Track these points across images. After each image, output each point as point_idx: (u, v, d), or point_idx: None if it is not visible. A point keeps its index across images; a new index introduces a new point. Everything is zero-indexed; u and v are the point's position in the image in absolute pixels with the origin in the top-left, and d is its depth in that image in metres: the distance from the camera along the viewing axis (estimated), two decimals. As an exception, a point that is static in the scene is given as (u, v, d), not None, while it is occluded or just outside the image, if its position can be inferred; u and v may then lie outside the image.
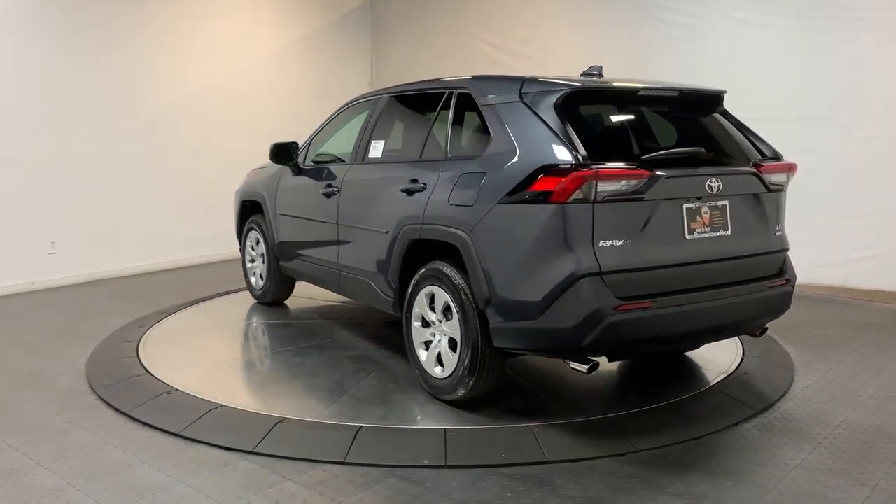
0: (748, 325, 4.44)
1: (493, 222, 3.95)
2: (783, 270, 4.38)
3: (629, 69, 8.61)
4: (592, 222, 3.66)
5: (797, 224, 7.52)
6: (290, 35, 10.29)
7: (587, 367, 3.85)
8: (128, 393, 4.58)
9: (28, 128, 7.54)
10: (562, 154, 3.73)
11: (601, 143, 4.08)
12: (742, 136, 4.49)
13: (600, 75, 4.59)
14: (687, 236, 3.91)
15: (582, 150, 3.71)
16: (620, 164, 3.75)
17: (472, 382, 4.18)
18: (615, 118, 4.56)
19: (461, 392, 4.25)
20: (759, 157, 4.36)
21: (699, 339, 4.65)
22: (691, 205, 3.92)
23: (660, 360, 5.26)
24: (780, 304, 4.40)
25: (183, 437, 3.95)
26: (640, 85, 4.32)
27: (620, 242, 3.71)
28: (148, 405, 4.36)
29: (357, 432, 3.93)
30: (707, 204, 3.97)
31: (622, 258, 3.72)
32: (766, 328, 4.59)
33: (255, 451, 3.77)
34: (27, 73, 7.51)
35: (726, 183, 4.03)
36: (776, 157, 4.42)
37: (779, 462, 3.67)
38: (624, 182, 3.71)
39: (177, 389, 4.58)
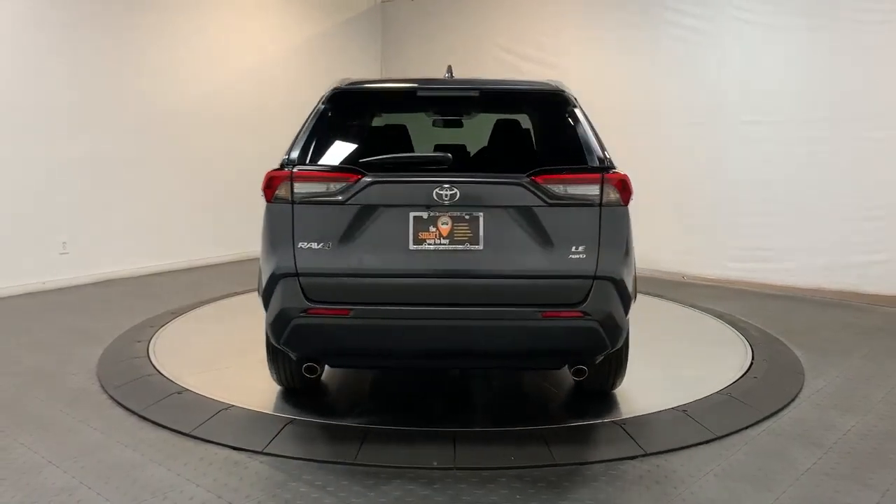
0: (521, 358, 4.01)
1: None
2: (582, 301, 3.66)
3: (639, 71, 8.64)
4: (292, 223, 3.68)
5: (805, 227, 7.57)
6: (299, 36, 10.31)
7: (304, 367, 3.90)
8: (138, 393, 4.60)
9: (39, 129, 7.57)
10: (286, 155, 3.84)
11: (348, 145, 4.09)
12: (573, 141, 3.91)
13: (450, 75, 4.55)
14: (411, 247, 3.65)
15: (294, 152, 3.81)
16: (322, 166, 3.77)
17: (274, 371, 4.41)
18: (382, 120, 4.54)
19: (273, 378, 4.50)
20: (582, 165, 3.79)
21: (428, 360, 4.14)
22: (421, 214, 3.65)
23: (666, 363, 5.26)
24: (569, 340, 3.73)
25: (193, 437, 3.96)
26: (419, 85, 4.22)
27: (319, 245, 3.66)
28: (158, 405, 4.38)
29: (366, 433, 3.94)
30: (448, 214, 3.64)
31: (320, 261, 3.66)
32: (582, 369, 3.96)
33: (265, 451, 3.78)
34: (39, 74, 7.55)
35: (470, 192, 3.64)
36: (602, 167, 3.76)
37: (788, 466, 3.66)
38: (326, 185, 3.68)
39: (187, 389, 4.60)
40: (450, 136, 5.07)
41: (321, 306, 3.66)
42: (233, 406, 4.32)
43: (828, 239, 7.49)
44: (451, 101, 4.44)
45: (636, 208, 9.04)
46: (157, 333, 5.88)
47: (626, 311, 3.82)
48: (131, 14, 8.29)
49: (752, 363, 5.18)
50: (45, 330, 6.15)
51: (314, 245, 3.66)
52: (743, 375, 4.93)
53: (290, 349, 3.90)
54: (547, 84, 4.24)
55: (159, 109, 8.65)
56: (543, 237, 3.66)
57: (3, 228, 7.35)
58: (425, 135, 4.97)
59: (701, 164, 8.30)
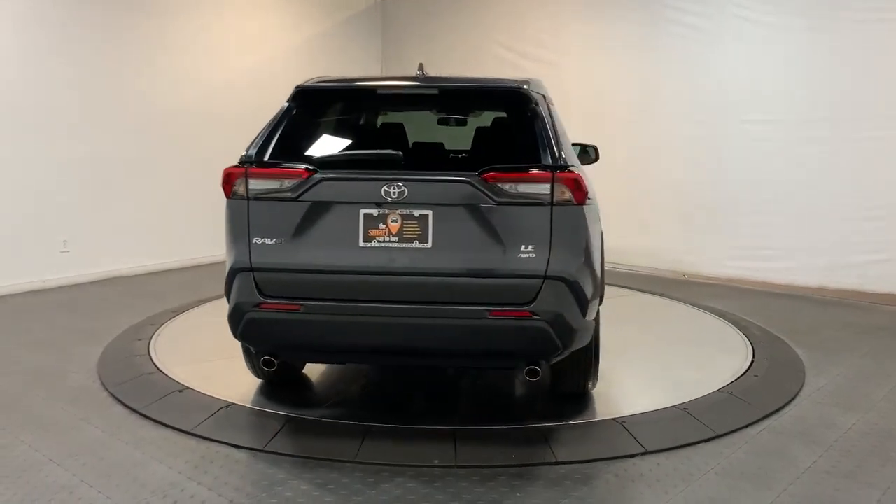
0: (470, 357, 3.98)
1: None
2: (531, 301, 3.59)
3: (640, 69, 8.64)
4: (248, 219, 3.74)
5: (806, 226, 7.57)
6: (299, 35, 10.30)
7: (261, 360, 3.95)
8: (139, 391, 4.60)
9: (39, 128, 7.57)
10: (245, 151, 3.88)
11: (310, 142, 4.14)
12: (529, 139, 3.83)
13: (421, 73, 4.56)
14: (362, 243, 3.66)
15: (253, 148, 3.85)
16: (276, 163, 3.80)
17: (249, 364, 4.48)
18: (345, 117, 4.57)
19: (250, 370, 4.55)
20: (534, 163, 3.68)
21: (377, 356, 4.24)
22: (371, 211, 3.65)
23: (667, 361, 5.26)
24: (517, 340, 3.67)
25: (194, 435, 3.96)
26: (379, 83, 4.25)
27: (273, 241, 3.71)
28: (159, 403, 4.38)
29: (367, 431, 3.94)
30: (398, 212, 3.64)
31: (273, 257, 3.71)
32: (535, 370, 3.74)
33: (266, 449, 3.79)
34: (38, 73, 7.55)
35: (418, 190, 3.62)
36: (554, 166, 3.64)
37: (789, 464, 3.66)
38: (279, 181, 3.73)
39: (188, 387, 4.60)
40: (447, 134, 5.06)
41: (273, 301, 3.71)
42: (233, 404, 4.33)
43: (829, 238, 7.49)
44: (412, 100, 4.48)
45: (637, 207, 9.06)
46: (157, 331, 5.88)
47: (584, 313, 3.75)
48: (132, 14, 8.29)
49: (752, 361, 5.18)
50: (46, 328, 6.15)
51: (268, 241, 3.72)
52: (744, 374, 4.93)
53: (246, 342, 3.98)
54: (508, 82, 4.20)
55: (159, 109, 8.64)
56: (493, 236, 3.62)
57: (4, 227, 7.35)
58: (425, 133, 4.97)
59: (702, 162, 8.30)
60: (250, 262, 3.73)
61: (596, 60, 9.03)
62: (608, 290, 7.53)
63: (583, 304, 3.73)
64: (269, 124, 4.00)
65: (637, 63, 8.67)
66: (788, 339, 5.82)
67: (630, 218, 8.71)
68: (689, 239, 8.45)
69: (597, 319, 4.12)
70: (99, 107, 8.05)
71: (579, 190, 3.65)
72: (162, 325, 6.10)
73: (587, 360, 4.25)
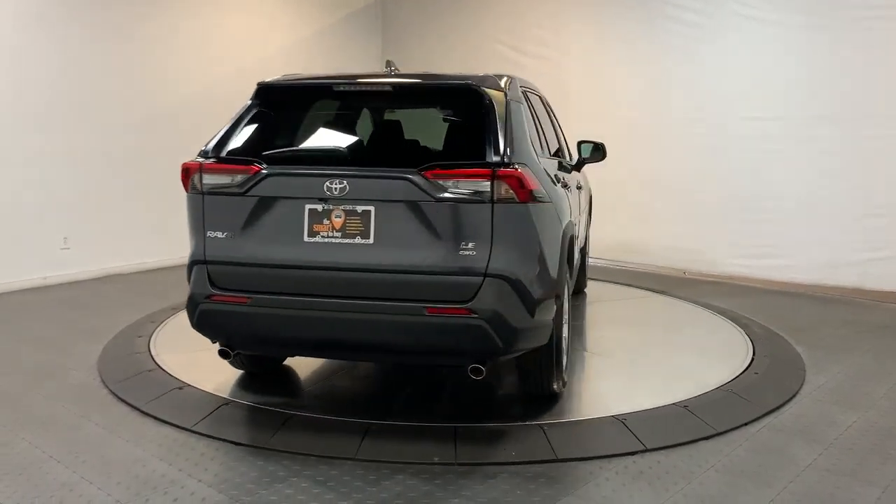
0: (409, 354, 3.98)
1: None
2: (470, 299, 3.56)
3: (641, 67, 8.64)
4: (203, 213, 3.87)
5: (807, 224, 7.57)
6: (299, 32, 10.29)
7: (218, 350, 4.07)
8: (140, 388, 4.60)
9: (40, 124, 7.57)
10: (204, 146, 3.96)
11: (267, 138, 4.16)
12: (477, 136, 3.78)
13: (391, 70, 4.57)
14: (306, 238, 3.72)
15: (211, 144, 3.95)
16: (228, 158, 3.89)
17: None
18: (305, 113, 4.62)
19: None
20: (477, 160, 3.64)
21: (320, 351, 4.35)
22: (316, 206, 3.70)
23: (667, 358, 5.26)
24: (455, 338, 3.64)
25: (194, 433, 3.97)
26: (336, 80, 4.28)
27: (223, 235, 3.83)
28: (160, 400, 4.38)
29: (367, 429, 3.94)
30: (341, 207, 3.67)
31: (224, 250, 3.82)
32: (479, 369, 3.70)
33: (266, 446, 3.79)
34: (39, 69, 7.55)
35: (360, 186, 3.66)
36: (496, 163, 3.59)
37: (789, 462, 3.66)
38: (231, 176, 3.82)
39: (188, 385, 4.61)
40: (435, 131, 5.04)
41: (223, 293, 3.82)
42: (234, 401, 4.34)
43: (829, 236, 7.49)
44: (369, 97, 4.57)
45: (637, 204, 9.05)
46: (157, 329, 5.88)
47: (532, 312, 3.71)
48: (132, 10, 8.28)
49: (753, 359, 5.18)
50: (47, 326, 6.16)
51: (219, 234, 3.84)
52: (744, 371, 4.93)
53: (201, 333, 4.06)
54: (464, 78, 4.12)
55: (159, 106, 8.64)
56: (433, 232, 3.61)
57: (5, 224, 7.36)
58: (415, 130, 4.96)
59: (702, 160, 8.30)
60: (204, 255, 3.85)
61: (597, 58, 9.03)
62: (607, 288, 7.61)
63: (529, 303, 3.70)
64: (231, 120, 4.06)
65: (637, 61, 8.66)
66: (789, 337, 5.82)
67: (630, 215, 8.72)
68: (689, 236, 8.45)
69: (557, 320, 4.09)
70: (99, 104, 8.05)
71: (522, 188, 3.60)
72: (162, 322, 6.10)
73: (549, 360, 4.20)
